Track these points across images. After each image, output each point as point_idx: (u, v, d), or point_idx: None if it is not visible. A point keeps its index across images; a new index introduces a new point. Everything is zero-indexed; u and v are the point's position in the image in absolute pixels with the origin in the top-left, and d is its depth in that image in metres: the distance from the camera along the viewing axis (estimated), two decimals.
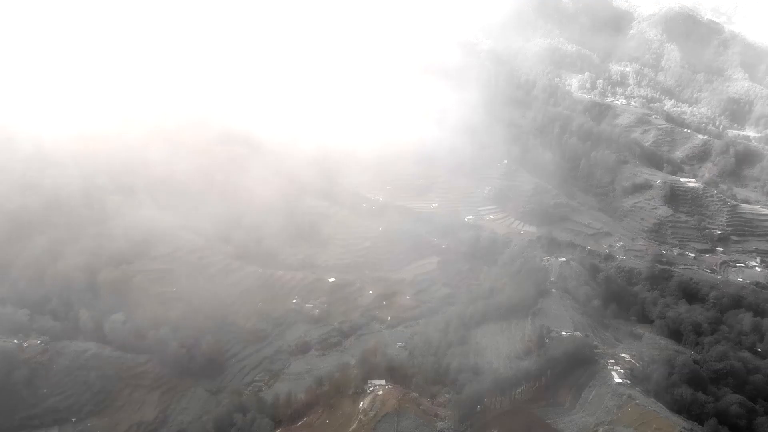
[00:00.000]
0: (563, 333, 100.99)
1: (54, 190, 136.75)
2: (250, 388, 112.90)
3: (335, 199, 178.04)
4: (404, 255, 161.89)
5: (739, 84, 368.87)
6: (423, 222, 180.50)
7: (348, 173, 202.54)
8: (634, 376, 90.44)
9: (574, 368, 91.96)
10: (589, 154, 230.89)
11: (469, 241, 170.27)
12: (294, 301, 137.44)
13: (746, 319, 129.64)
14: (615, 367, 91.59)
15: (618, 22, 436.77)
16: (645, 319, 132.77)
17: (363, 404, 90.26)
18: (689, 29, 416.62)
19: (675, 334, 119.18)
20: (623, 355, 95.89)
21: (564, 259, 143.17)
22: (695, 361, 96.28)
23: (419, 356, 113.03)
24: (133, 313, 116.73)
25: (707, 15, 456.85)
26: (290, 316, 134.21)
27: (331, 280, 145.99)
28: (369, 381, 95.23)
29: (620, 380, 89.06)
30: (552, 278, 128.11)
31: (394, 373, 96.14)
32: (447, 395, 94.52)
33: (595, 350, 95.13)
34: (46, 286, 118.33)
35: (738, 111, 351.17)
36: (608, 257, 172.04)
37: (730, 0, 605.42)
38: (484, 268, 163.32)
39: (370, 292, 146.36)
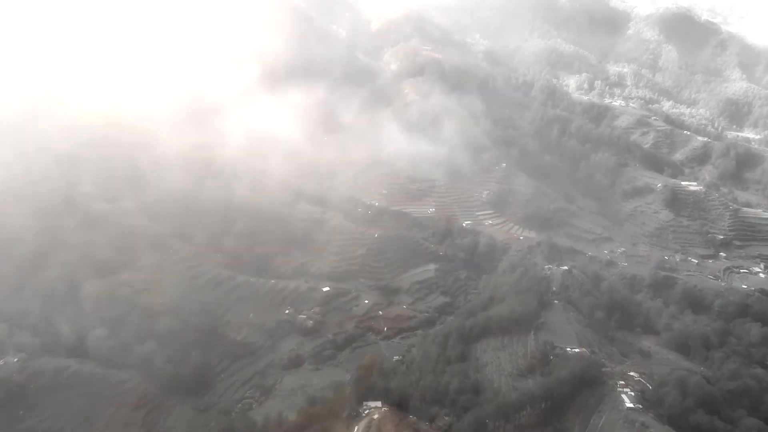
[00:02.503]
0: (568, 349, 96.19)
1: (35, 196, 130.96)
2: (239, 405, 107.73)
3: (329, 204, 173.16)
4: (401, 262, 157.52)
5: (738, 85, 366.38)
6: (420, 227, 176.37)
7: (342, 177, 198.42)
8: (645, 399, 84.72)
9: (581, 389, 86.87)
10: (588, 156, 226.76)
11: (467, 247, 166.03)
12: (287, 311, 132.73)
13: (754, 329, 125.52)
14: (625, 389, 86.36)
15: (615, 23, 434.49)
16: (650, 329, 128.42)
17: (358, 429, 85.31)
18: (687, 30, 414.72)
19: (682, 347, 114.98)
20: (631, 373, 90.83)
21: (566, 267, 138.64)
22: (707, 379, 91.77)
23: (417, 371, 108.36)
24: (117, 328, 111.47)
25: (703, 15, 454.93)
26: (283, 328, 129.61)
27: (326, 289, 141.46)
28: (364, 403, 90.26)
29: (631, 404, 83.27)
30: (554, 288, 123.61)
31: (390, 394, 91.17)
32: (447, 417, 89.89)
33: (603, 369, 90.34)
34: (25, 299, 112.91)
35: (737, 112, 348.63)
36: (610, 264, 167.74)
37: (726, 1, 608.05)
38: (483, 275, 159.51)
39: (366, 301, 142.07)
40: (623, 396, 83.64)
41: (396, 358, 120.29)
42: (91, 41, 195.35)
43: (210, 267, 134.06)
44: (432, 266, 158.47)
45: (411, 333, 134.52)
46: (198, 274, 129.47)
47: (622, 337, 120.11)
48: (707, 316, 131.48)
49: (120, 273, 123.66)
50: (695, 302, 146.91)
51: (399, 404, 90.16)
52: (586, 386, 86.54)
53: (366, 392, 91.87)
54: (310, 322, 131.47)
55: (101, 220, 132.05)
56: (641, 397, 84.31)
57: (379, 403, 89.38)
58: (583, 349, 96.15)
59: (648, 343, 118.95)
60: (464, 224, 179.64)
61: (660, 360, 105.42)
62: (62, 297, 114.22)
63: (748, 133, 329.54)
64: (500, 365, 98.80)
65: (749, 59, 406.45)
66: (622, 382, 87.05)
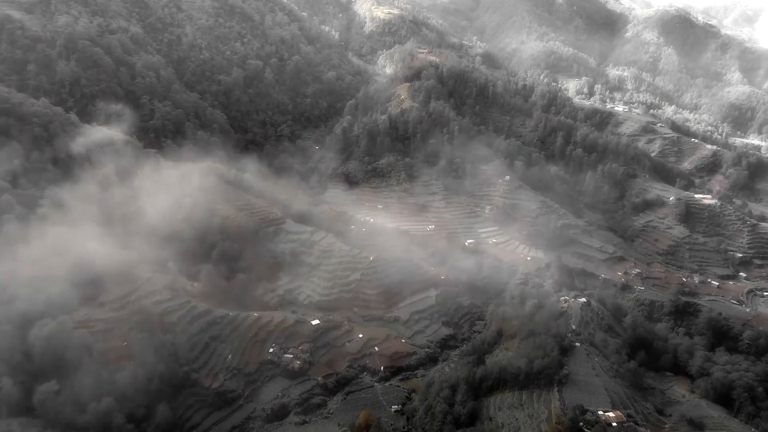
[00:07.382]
0: (600, 412, 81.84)
1: None
2: None
3: (319, 221, 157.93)
4: (398, 288, 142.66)
5: (739, 89, 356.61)
6: (418, 247, 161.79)
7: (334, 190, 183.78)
8: None
9: None
10: (595, 166, 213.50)
11: (470, 270, 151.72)
12: (271, 350, 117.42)
13: None
14: None
15: (613, 25, 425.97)
16: (680, 370, 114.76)
17: None
18: (686, 32, 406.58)
19: (724, 397, 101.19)
20: None
21: (584, 299, 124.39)
22: None
23: (419, 428, 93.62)
24: (71, 380, 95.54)
25: (699, 18, 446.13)
26: (266, 371, 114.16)
27: (315, 322, 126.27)
28: None
29: None
30: (573, 326, 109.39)
31: None
32: None
33: None
34: None
35: (740, 118, 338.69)
36: (625, 287, 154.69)
37: (721, 3, 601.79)
38: (489, 303, 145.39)
39: (360, 335, 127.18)
40: None
41: (395, 408, 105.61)
42: None
43: (183, 300, 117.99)
44: (432, 292, 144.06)
45: (411, 373, 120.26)
46: (168, 310, 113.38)
47: (652, 382, 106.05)
48: (743, 356, 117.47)
49: (78, 311, 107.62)
50: (721, 332, 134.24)
51: None
52: None
53: None
54: (297, 363, 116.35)
55: (59, 248, 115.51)
56: None
57: None
58: (618, 413, 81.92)
59: (681, 390, 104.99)
60: (466, 243, 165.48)
61: (706, 421, 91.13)
62: (8, 342, 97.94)
63: (753, 139, 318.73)
64: (519, 429, 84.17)
65: (749, 63, 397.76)
66: None
